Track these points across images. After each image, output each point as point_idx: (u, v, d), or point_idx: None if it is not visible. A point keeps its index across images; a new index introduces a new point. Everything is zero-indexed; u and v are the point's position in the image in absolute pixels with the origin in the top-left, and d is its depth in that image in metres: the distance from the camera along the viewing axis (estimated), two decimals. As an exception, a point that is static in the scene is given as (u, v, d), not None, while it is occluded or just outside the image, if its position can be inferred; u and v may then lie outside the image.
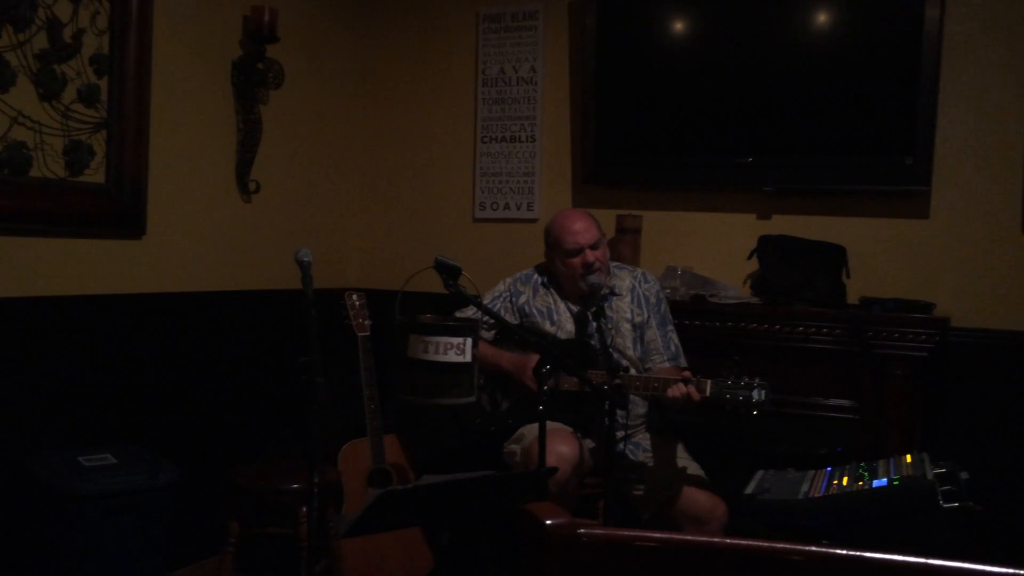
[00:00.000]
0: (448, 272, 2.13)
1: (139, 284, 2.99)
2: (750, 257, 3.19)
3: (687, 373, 2.56)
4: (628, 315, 2.86)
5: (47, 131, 2.66)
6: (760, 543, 0.86)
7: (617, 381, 2.29)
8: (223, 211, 3.32)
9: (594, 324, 2.56)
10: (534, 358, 2.54)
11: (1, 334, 2.58)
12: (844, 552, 0.85)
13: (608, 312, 2.79)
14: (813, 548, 0.86)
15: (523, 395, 2.80)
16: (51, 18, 2.65)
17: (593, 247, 2.78)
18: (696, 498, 2.66)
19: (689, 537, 0.93)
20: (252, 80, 3.33)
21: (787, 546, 0.86)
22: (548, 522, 0.88)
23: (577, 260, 2.78)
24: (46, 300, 2.69)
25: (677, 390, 2.47)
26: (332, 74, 3.84)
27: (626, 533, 0.89)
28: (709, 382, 2.46)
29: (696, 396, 2.45)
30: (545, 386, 2.22)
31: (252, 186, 3.40)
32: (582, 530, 0.88)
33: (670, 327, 2.92)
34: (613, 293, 2.88)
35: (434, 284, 2.22)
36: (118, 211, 2.87)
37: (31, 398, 2.66)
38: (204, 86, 3.21)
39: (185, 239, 3.15)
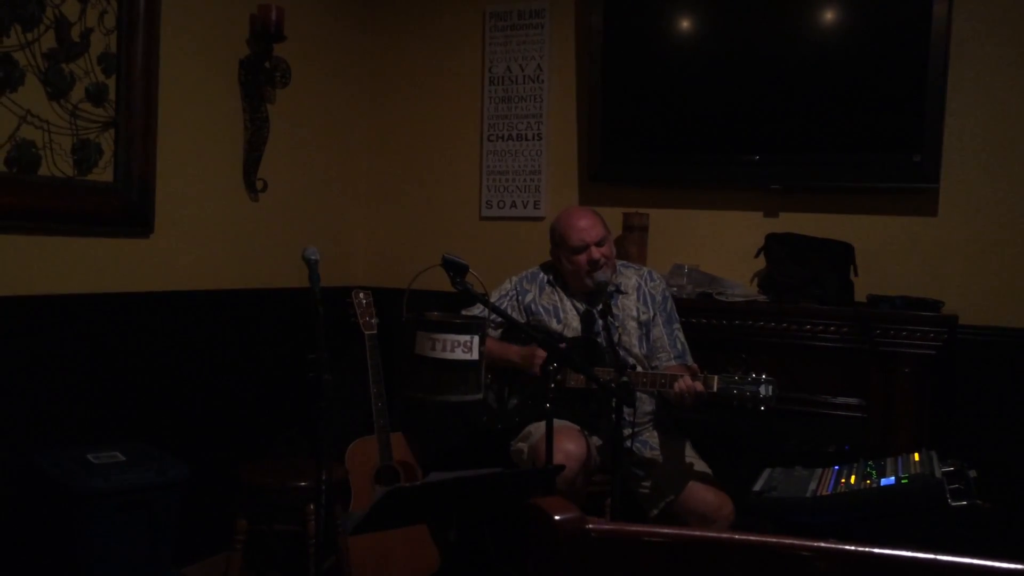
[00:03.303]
0: (455, 270, 2.12)
1: (147, 282, 2.99)
2: (757, 255, 3.18)
3: (695, 367, 2.57)
4: (634, 313, 2.86)
5: (55, 130, 2.67)
6: (768, 538, 0.86)
7: (624, 378, 2.30)
8: (230, 209, 3.33)
9: (600, 322, 2.57)
10: (540, 350, 2.54)
11: (10, 332, 2.59)
12: (852, 548, 0.85)
13: (614, 310, 2.79)
14: (821, 544, 0.86)
15: (531, 392, 2.81)
16: (59, 17, 2.66)
17: (599, 244, 2.79)
18: (703, 495, 2.66)
19: (697, 533, 0.93)
20: (259, 79, 3.34)
21: (795, 541, 0.86)
22: (557, 517, 0.88)
23: (582, 257, 2.78)
24: (54, 298, 2.70)
25: (682, 384, 2.48)
26: (339, 73, 3.85)
27: (634, 528, 0.89)
28: (716, 378, 2.47)
29: (699, 388, 2.46)
30: (552, 383, 2.22)
31: (259, 184, 3.41)
32: (591, 525, 0.88)
33: (676, 325, 2.92)
34: (619, 291, 2.88)
35: (441, 282, 2.22)
36: (126, 209, 2.88)
37: (40, 396, 2.67)
38: (211, 85, 3.22)
39: (193, 237, 3.16)
